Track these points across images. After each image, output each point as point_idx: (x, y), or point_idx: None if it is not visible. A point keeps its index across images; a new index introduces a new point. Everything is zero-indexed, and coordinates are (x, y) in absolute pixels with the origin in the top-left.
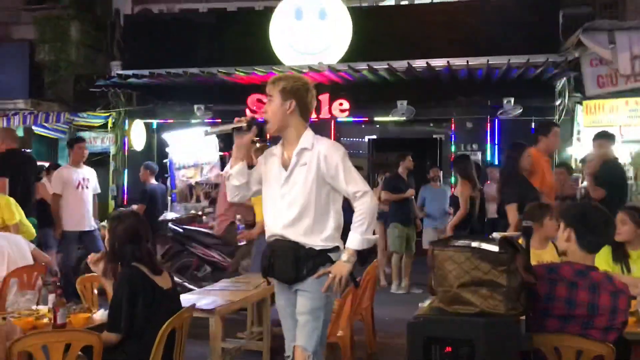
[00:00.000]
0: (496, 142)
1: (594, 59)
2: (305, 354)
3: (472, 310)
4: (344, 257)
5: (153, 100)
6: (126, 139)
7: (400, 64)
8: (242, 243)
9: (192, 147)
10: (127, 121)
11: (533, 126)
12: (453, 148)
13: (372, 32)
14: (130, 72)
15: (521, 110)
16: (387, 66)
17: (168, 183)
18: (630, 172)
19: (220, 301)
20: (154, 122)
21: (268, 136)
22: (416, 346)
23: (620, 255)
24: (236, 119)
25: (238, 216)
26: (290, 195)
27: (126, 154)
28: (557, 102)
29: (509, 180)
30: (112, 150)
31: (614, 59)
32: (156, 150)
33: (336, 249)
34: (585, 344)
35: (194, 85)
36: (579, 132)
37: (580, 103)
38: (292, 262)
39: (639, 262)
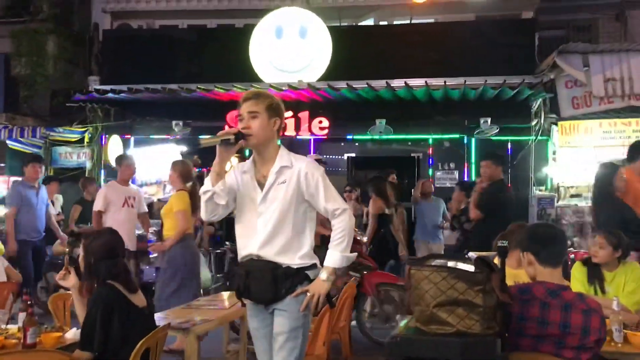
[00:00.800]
0: (473, 161)
1: (569, 80)
2: None
3: (449, 330)
4: (323, 275)
5: (131, 115)
6: (102, 155)
7: (379, 83)
8: (153, 255)
9: (154, 163)
10: (104, 137)
11: (509, 146)
12: (430, 167)
13: (351, 51)
14: (108, 87)
15: (498, 130)
16: (366, 85)
17: None
18: None
19: (195, 319)
20: (132, 138)
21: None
22: None
23: (596, 276)
24: (223, 130)
25: (152, 229)
26: (267, 213)
27: (103, 169)
28: (533, 123)
29: (604, 204)
30: (88, 166)
31: (587, 81)
32: None
33: (313, 266)
34: None
35: (172, 101)
36: (554, 152)
37: (556, 124)
38: (269, 282)
39: (613, 284)
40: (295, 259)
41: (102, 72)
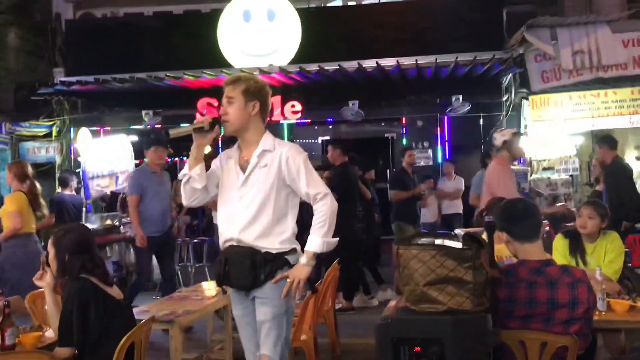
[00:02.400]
0: (446, 139)
1: (538, 55)
2: None
3: (440, 308)
4: (303, 260)
5: (99, 107)
6: (72, 148)
7: (350, 64)
8: None
9: (106, 155)
10: (72, 129)
11: (481, 122)
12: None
13: (321, 33)
14: (74, 79)
15: (469, 107)
16: (337, 67)
17: (82, 193)
18: (576, 164)
19: (179, 311)
20: (101, 130)
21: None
22: (385, 348)
23: (577, 248)
24: (197, 119)
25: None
26: (248, 197)
27: (73, 163)
28: (504, 98)
29: None
30: (58, 160)
31: (556, 55)
32: None
33: (293, 251)
34: (548, 336)
35: (141, 90)
36: (525, 127)
37: (527, 98)
38: (248, 267)
39: (594, 255)
40: (275, 244)
41: (67, 63)
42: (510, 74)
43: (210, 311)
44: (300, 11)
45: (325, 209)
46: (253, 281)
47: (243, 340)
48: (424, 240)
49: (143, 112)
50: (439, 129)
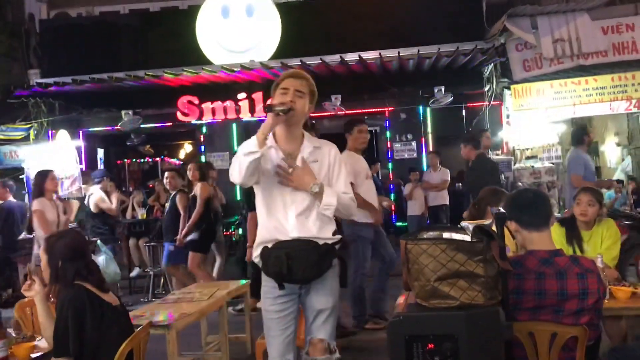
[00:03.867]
0: (430, 131)
1: (519, 44)
2: (331, 346)
3: (452, 303)
4: (315, 188)
5: (77, 108)
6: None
7: (332, 58)
8: None
9: (51, 160)
10: (50, 132)
11: (464, 113)
12: (388, 140)
13: (302, 28)
14: (50, 80)
15: (452, 98)
16: (319, 61)
17: (26, 199)
18: (558, 152)
19: (175, 315)
20: (80, 131)
21: None
22: (397, 345)
23: (574, 236)
24: (279, 101)
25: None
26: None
27: (81, 165)
28: (486, 88)
29: None
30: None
31: (537, 43)
32: (85, 160)
33: (341, 241)
34: (558, 327)
35: (120, 90)
36: (508, 116)
37: (508, 88)
38: (315, 261)
39: (591, 242)
40: (329, 234)
41: (43, 64)
42: (492, 64)
43: (205, 314)
44: (280, 6)
45: (349, 200)
46: (318, 273)
47: (272, 335)
48: (431, 234)
49: (123, 112)
50: (422, 120)
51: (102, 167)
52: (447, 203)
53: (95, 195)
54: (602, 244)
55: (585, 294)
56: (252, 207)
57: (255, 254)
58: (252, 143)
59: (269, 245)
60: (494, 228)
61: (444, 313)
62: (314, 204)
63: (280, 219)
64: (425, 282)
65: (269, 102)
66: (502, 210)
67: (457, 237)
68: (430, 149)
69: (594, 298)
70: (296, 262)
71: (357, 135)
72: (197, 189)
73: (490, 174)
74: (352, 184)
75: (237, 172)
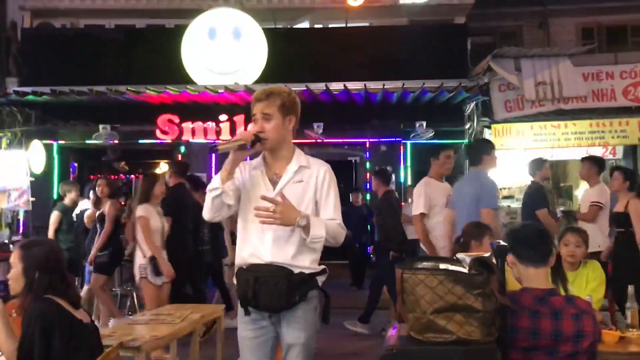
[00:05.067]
0: (409, 165)
1: (502, 84)
2: None
3: (448, 338)
4: (301, 221)
5: (54, 119)
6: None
7: (317, 86)
8: None
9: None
10: (24, 142)
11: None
12: (367, 171)
13: (288, 54)
14: (28, 89)
15: (433, 133)
16: (305, 87)
17: None
18: None
19: (146, 336)
20: (55, 143)
21: None
22: None
23: (559, 277)
24: (239, 134)
25: None
26: None
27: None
28: (467, 126)
29: None
30: None
31: (520, 85)
32: (58, 174)
33: (323, 272)
34: None
35: (99, 104)
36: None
37: (489, 127)
38: (284, 289)
39: (575, 283)
40: (307, 263)
41: (22, 73)
42: (473, 103)
43: (177, 337)
44: (267, 31)
45: (337, 228)
46: (287, 303)
47: None
48: (426, 264)
49: (100, 127)
50: (402, 154)
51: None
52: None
53: (90, 210)
54: (587, 286)
55: (581, 336)
56: (167, 214)
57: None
58: (216, 179)
59: (244, 267)
60: (493, 260)
61: (440, 348)
62: (293, 231)
63: (256, 242)
64: (421, 315)
65: (218, 141)
66: (503, 243)
67: (454, 268)
68: (409, 182)
69: (589, 341)
70: (264, 288)
71: (444, 161)
72: (106, 206)
73: (394, 213)
74: (423, 214)
75: (205, 209)
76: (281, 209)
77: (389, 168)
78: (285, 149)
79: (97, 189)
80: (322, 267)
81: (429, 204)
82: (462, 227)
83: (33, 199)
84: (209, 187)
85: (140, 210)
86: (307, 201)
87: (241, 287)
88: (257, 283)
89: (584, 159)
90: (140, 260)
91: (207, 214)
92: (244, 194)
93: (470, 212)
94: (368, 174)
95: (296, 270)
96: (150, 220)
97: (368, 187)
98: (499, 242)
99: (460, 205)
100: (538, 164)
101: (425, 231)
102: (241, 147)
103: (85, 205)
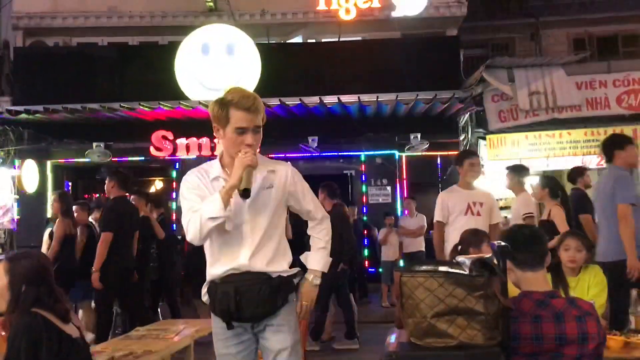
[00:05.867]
0: (404, 177)
1: (496, 95)
2: None
3: (449, 342)
4: (316, 280)
5: (47, 138)
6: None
7: (311, 100)
8: None
9: None
10: (16, 161)
11: (439, 161)
12: (363, 184)
13: (281, 69)
14: (21, 108)
15: (428, 145)
16: (299, 101)
17: None
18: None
19: (138, 352)
20: (48, 162)
21: None
22: None
23: (560, 282)
24: (243, 163)
25: None
26: (255, 220)
27: (16, 196)
28: (461, 137)
29: None
30: None
31: (513, 95)
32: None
33: (299, 273)
34: None
35: (92, 122)
36: (482, 166)
37: (483, 138)
38: (267, 296)
39: (577, 289)
40: (284, 266)
41: (15, 92)
42: (467, 114)
43: (171, 353)
44: (260, 46)
45: (328, 229)
46: (271, 309)
47: None
48: (424, 267)
49: (94, 145)
50: (397, 166)
51: None
52: (423, 249)
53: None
54: (589, 291)
55: (585, 338)
56: (105, 227)
57: (203, 292)
58: (217, 206)
59: (217, 281)
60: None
61: (443, 353)
62: (270, 236)
63: (235, 253)
64: (421, 319)
65: (241, 184)
66: (503, 243)
67: (455, 271)
68: (405, 194)
69: (595, 343)
70: (245, 298)
71: (468, 169)
72: (56, 224)
73: (345, 224)
74: (440, 222)
75: (196, 233)
76: (307, 304)
77: (383, 181)
78: None
79: (51, 204)
80: (298, 268)
81: (446, 212)
82: (605, 224)
83: (17, 217)
84: (209, 215)
85: None
86: (277, 206)
87: (220, 301)
88: (238, 293)
89: (507, 168)
90: None
91: (199, 239)
92: None
93: (606, 209)
94: (363, 187)
95: (274, 275)
96: None
97: (364, 200)
98: (500, 243)
99: (597, 203)
100: (579, 172)
101: (440, 240)
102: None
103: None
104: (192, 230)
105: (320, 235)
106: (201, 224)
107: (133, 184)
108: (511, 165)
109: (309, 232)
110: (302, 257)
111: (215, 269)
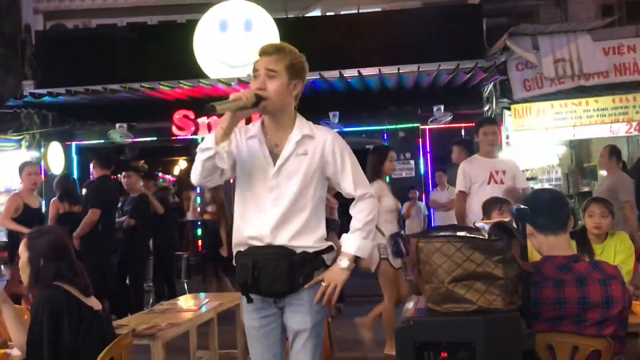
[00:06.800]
0: (428, 150)
1: (520, 63)
2: None
3: (468, 308)
4: (343, 263)
5: (71, 120)
6: (42, 163)
7: (331, 74)
8: None
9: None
10: (42, 144)
11: (463, 132)
12: None
13: (300, 43)
14: (44, 91)
15: (451, 117)
16: (318, 76)
17: None
18: (558, 173)
19: (161, 325)
20: (73, 144)
21: None
22: (407, 353)
23: (585, 249)
24: (236, 94)
25: None
26: (281, 188)
27: (43, 178)
28: (486, 108)
29: None
30: None
31: (538, 63)
32: (77, 174)
33: (330, 249)
34: (580, 340)
35: (114, 103)
36: (507, 137)
37: (508, 108)
38: (285, 272)
39: (603, 256)
40: (310, 242)
41: (37, 75)
42: (491, 84)
43: (195, 325)
44: (278, 21)
45: (369, 209)
46: (289, 287)
47: (256, 353)
48: (442, 232)
49: (117, 125)
50: (420, 139)
51: None
52: (456, 223)
53: None
54: (616, 258)
55: (609, 302)
56: (93, 204)
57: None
58: (209, 138)
59: (240, 250)
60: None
61: (459, 318)
62: (298, 209)
63: (255, 222)
64: (439, 284)
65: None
66: (522, 206)
67: (473, 235)
68: (429, 168)
69: (619, 307)
70: (264, 272)
71: (482, 138)
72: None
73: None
74: (462, 192)
75: (193, 172)
76: (329, 283)
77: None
78: (286, 117)
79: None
80: (329, 243)
81: (468, 182)
82: None
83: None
84: (200, 146)
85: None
86: (312, 176)
87: (239, 272)
88: (256, 268)
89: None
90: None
91: (196, 178)
92: (241, 165)
93: None
94: None
95: (298, 250)
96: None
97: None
98: (520, 206)
99: None
100: None
101: (462, 210)
102: (241, 108)
103: None
104: (193, 170)
105: (359, 215)
106: (196, 160)
107: (127, 162)
108: (458, 140)
109: (350, 211)
110: (341, 239)
111: (240, 236)
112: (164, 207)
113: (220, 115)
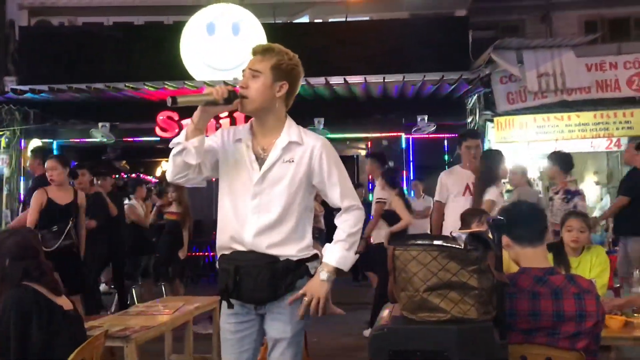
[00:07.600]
0: (411, 159)
1: (504, 76)
2: None
3: (442, 317)
4: (323, 275)
5: (53, 118)
6: (22, 161)
7: (317, 80)
8: None
9: None
10: (22, 141)
11: (446, 143)
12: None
13: (287, 49)
14: (26, 87)
15: (435, 127)
16: (304, 82)
17: None
18: (539, 187)
19: (135, 327)
20: (54, 142)
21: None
22: None
23: (562, 262)
24: (208, 89)
25: None
26: (266, 195)
27: (22, 176)
28: (469, 120)
29: None
30: (6, 173)
31: (522, 76)
32: None
33: (314, 257)
34: (553, 352)
35: (98, 102)
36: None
37: (491, 120)
38: (267, 279)
39: (579, 269)
40: (294, 251)
41: (20, 71)
42: (475, 96)
43: (169, 328)
44: (266, 26)
45: (354, 220)
46: (271, 294)
47: (229, 359)
48: (419, 241)
49: (99, 124)
50: (404, 148)
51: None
52: (429, 232)
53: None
54: (591, 271)
55: (583, 316)
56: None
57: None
58: (181, 134)
59: (226, 253)
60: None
61: (433, 327)
62: (282, 218)
63: (237, 226)
64: (414, 293)
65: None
66: (499, 217)
67: (449, 244)
68: (412, 177)
69: (593, 321)
70: (245, 279)
71: (465, 151)
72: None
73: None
74: (439, 202)
75: (167, 168)
76: (311, 297)
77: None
78: (273, 119)
79: None
80: (314, 252)
81: (445, 192)
82: None
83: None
84: (173, 141)
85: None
86: (298, 184)
87: (221, 277)
88: (238, 273)
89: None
90: None
91: (169, 174)
92: (225, 166)
93: None
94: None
95: (282, 258)
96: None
97: (370, 186)
98: (496, 217)
99: None
100: None
101: (438, 220)
102: (210, 103)
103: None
104: (167, 166)
105: (343, 225)
106: (170, 157)
107: (109, 161)
108: (372, 153)
109: (335, 221)
110: (323, 249)
111: (222, 239)
112: (117, 209)
113: (178, 111)
